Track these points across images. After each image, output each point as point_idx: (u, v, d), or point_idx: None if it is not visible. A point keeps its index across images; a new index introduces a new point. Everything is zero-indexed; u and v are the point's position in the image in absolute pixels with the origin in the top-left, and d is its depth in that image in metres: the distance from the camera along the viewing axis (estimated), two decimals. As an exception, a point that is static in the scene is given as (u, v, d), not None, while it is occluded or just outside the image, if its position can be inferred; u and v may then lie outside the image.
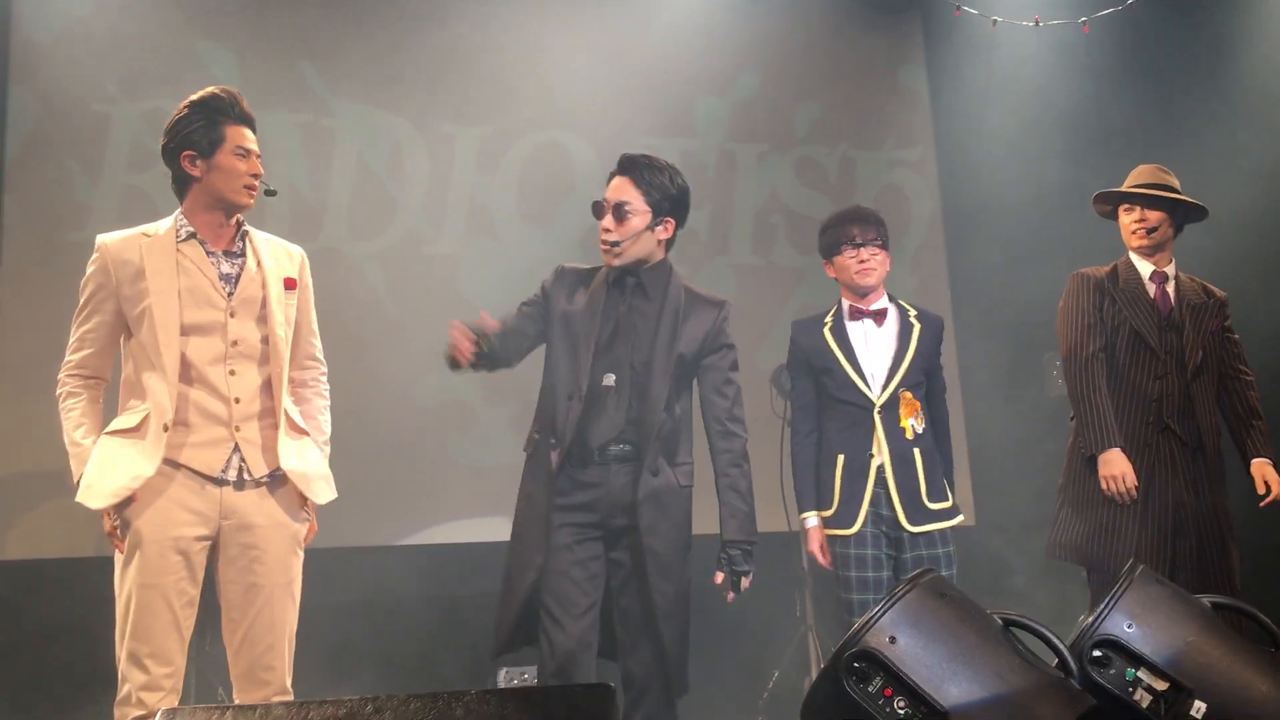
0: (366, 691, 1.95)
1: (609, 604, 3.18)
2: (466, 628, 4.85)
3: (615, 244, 3.19)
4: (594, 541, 3.15)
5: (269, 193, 2.99)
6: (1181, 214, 4.00)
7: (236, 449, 2.85)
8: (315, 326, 3.14)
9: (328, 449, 3.08)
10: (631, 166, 3.24)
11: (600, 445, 3.13)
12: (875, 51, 6.46)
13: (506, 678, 4.64)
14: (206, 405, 2.83)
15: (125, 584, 2.78)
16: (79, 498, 2.80)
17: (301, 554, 2.97)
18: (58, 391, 2.93)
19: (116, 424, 2.86)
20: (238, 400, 2.86)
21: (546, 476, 3.13)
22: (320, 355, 3.16)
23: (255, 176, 2.95)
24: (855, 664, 1.73)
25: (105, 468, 2.78)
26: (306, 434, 3.01)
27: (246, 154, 2.94)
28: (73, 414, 2.87)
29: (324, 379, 3.16)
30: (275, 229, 3.27)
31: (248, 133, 2.97)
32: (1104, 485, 3.76)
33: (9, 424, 4.92)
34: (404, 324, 5.35)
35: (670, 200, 3.24)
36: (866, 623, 1.75)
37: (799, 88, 6.28)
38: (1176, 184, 4.00)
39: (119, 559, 2.82)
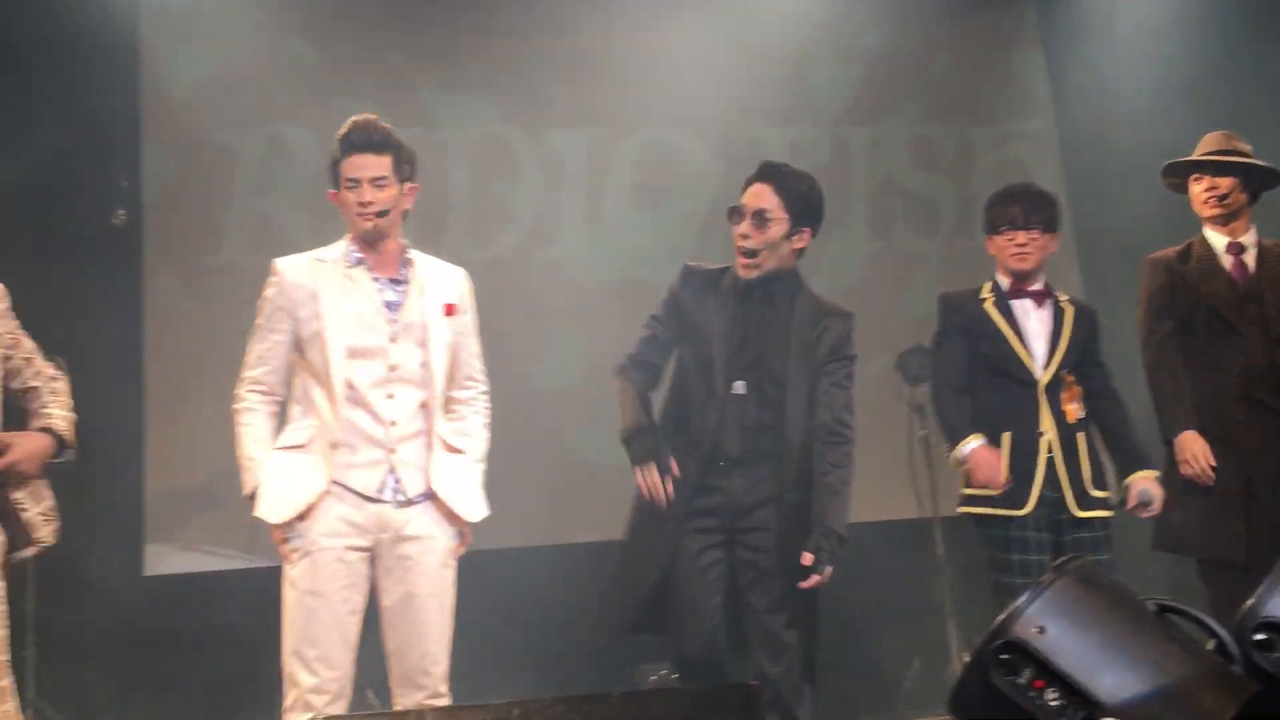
0: (516, 692, 1.99)
1: (738, 602, 3.17)
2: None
3: (754, 253, 3.16)
4: (716, 548, 3.16)
5: (380, 214, 3.01)
6: (1255, 180, 3.84)
7: (392, 470, 2.94)
8: (477, 348, 3.19)
9: (482, 466, 3.13)
10: (772, 173, 3.20)
11: (728, 452, 3.14)
12: (989, 23, 6.31)
13: (649, 675, 4.67)
14: (365, 428, 2.92)
15: (294, 592, 2.90)
16: (258, 511, 2.92)
17: (454, 565, 3.05)
18: (235, 406, 3.05)
19: (286, 439, 2.98)
20: (394, 423, 2.94)
21: (671, 481, 3.13)
22: (480, 375, 3.20)
23: (364, 204, 2.97)
24: (1002, 656, 1.69)
25: (282, 482, 2.90)
26: (461, 452, 3.08)
27: (355, 183, 2.97)
28: (250, 429, 2.98)
29: (484, 398, 3.20)
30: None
31: (358, 160, 2.97)
32: (1183, 470, 3.64)
33: (160, 442, 5.15)
34: (524, 330, 5.42)
35: (809, 210, 3.21)
36: (1013, 613, 1.71)
37: (912, 67, 6.17)
38: (1248, 149, 3.84)
39: (288, 569, 2.94)
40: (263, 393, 3.03)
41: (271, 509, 2.89)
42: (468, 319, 3.17)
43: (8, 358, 2.84)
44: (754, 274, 3.18)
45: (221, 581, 4.94)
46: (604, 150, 5.76)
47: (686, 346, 3.25)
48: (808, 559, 2.99)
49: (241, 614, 4.65)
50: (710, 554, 3.15)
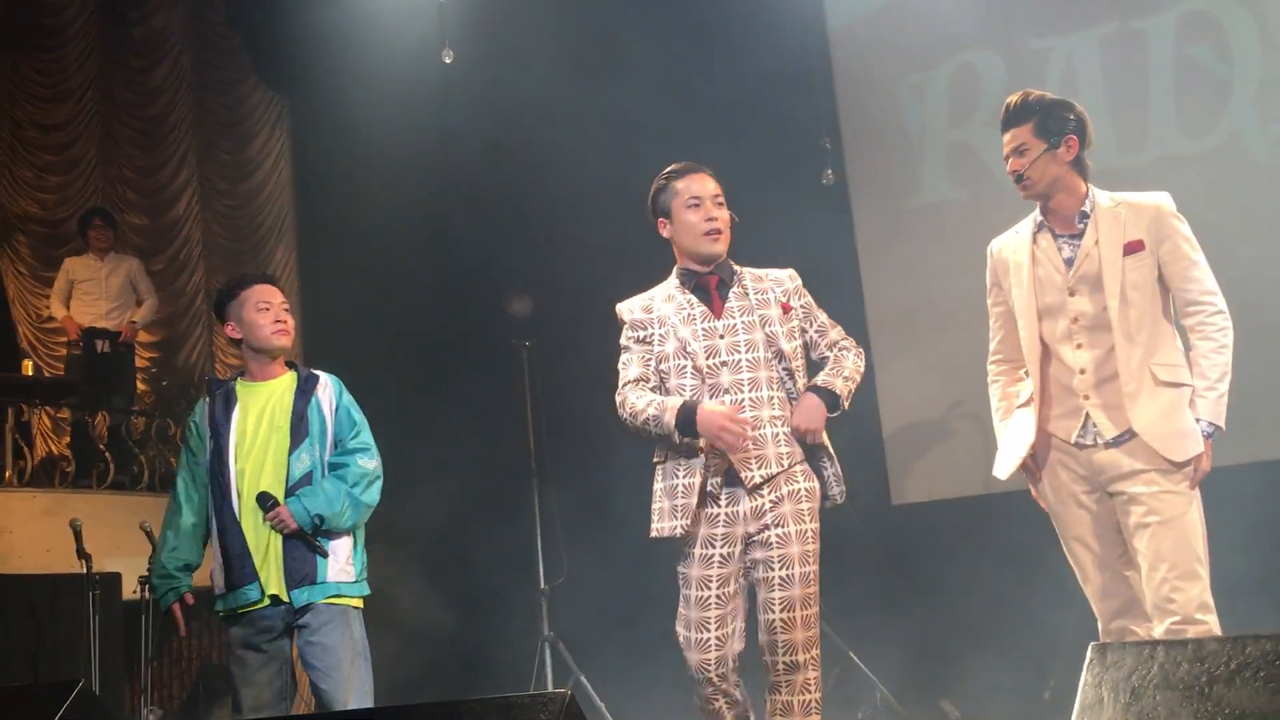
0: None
1: None
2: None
3: None
4: None
5: (1020, 179, 3.04)
6: None
7: (1087, 416, 3.00)
8: (1195, 271, 3.00)
9: (1214, 393, 2.91)
10: None
11: None
12: None
13: None
14: (1061, 378, 3.05)
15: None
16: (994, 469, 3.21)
17: (1182, 489, 2.91)
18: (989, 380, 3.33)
19: (1020, 398, 3.19)
20: (1083, 371, 3.00)
21: None
22: (1205, 296, 2.99)
23: (1013, 174, 3.09)
24: None
25: (1007, 440, 3.17)
26: (1178, 385, 2.96)
27: (1008, 158, 3.10)
28: (993, 400, 3.27)
29: (1214, 319, 2.98)
30: (1095, 155, 3.16)
31: (1004, 137, 3.11)
32: None
33: (890, 382, 5.46)
34: (1260, 215, 4.85)
35: None
36: None
37: None
38: None
39: None
40: (999, 361, 3.26)
41: (997, 467, 3.17)
42: (1169, 246, 2.99)
43: (804, 330, 3.19)
44: None
45: (961, 508, 5.12)
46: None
47: None
48: None
49: (981, 537, 4.79)
50: None
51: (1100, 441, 2.97)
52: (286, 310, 3.39)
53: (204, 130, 7.97)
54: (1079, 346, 3.00)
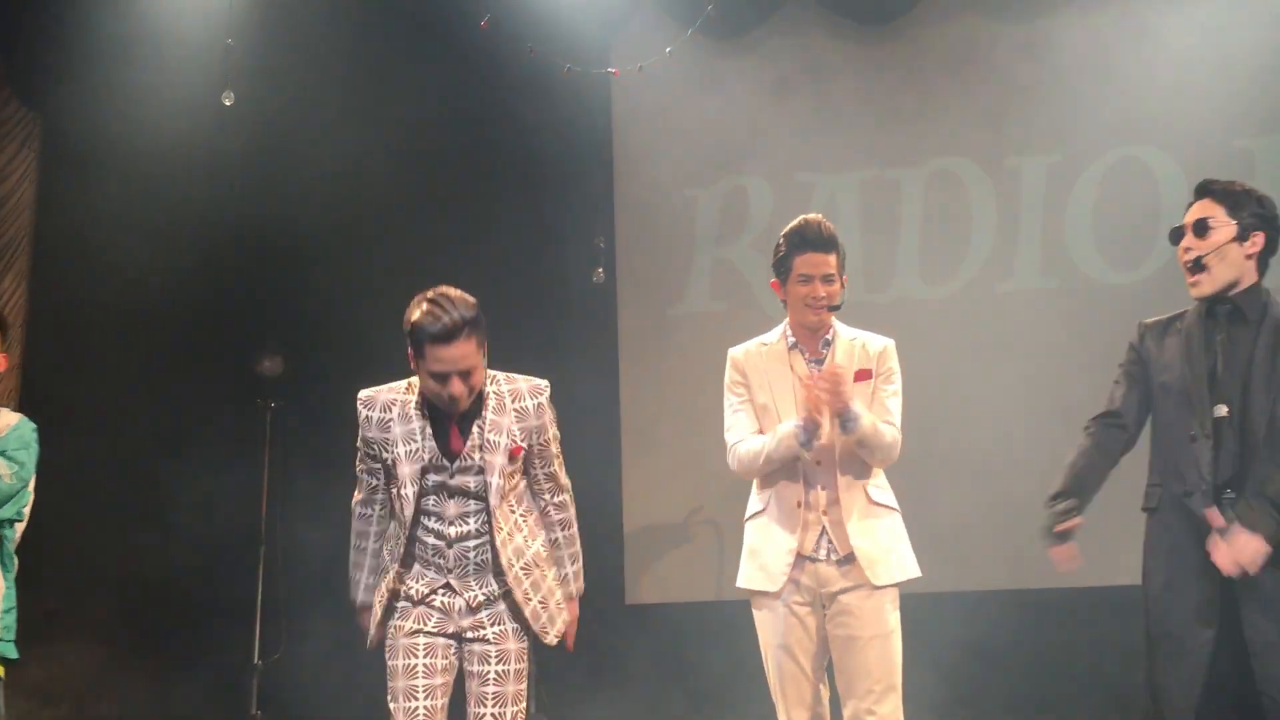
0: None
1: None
2: (1110, 675, 4.58)
3: (1197, 262, 2.94)
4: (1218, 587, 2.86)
5: (834, 308, 3.18)
6: None
7: (824, 530, 3.12)
8: (893, 416, 3.20)
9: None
10: (1210, 189, 3.03)
11: (1223, 482, 2.87)
12: None
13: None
14: (800, 494, 3.14)
15: (766, 645, 3.20)
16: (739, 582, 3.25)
17: (889, 608, 3.10)
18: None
19: (751, 508, 3.26)
20: (825, 488, 3.14)
21: (1191, 526, 2.90)
22: (889, 417, 3.20)
23: (816, 298, 3.16)
24: None
25: (755, 553, 3.21)
26: (891, 510, 3.19)
27: (808, 279, 3.15)
28: (755, 442, 3.21)
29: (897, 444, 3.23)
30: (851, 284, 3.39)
31: (813, 258, 3.15)
32: None
33: (635, 480, 5.54)
34: (982, 364, 5.28)
35: (1258, 217, 2.97)
36: None
37: None
38: None
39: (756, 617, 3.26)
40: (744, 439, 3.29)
41: (765, 579, 3.16)
42: (885, 374, 3.23)
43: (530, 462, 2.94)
44: (1205, 287, 2.93)
45: (691, 612, 5.21)
46: (1062, 176, 5.48)
47: (1159, 395, 3.03)
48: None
49: (706, 643, 4.89)
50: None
51: (833, 558, 3.10)
52: None
53: (-59, 136, 7.34)
54: (818, 463, 3.13)
